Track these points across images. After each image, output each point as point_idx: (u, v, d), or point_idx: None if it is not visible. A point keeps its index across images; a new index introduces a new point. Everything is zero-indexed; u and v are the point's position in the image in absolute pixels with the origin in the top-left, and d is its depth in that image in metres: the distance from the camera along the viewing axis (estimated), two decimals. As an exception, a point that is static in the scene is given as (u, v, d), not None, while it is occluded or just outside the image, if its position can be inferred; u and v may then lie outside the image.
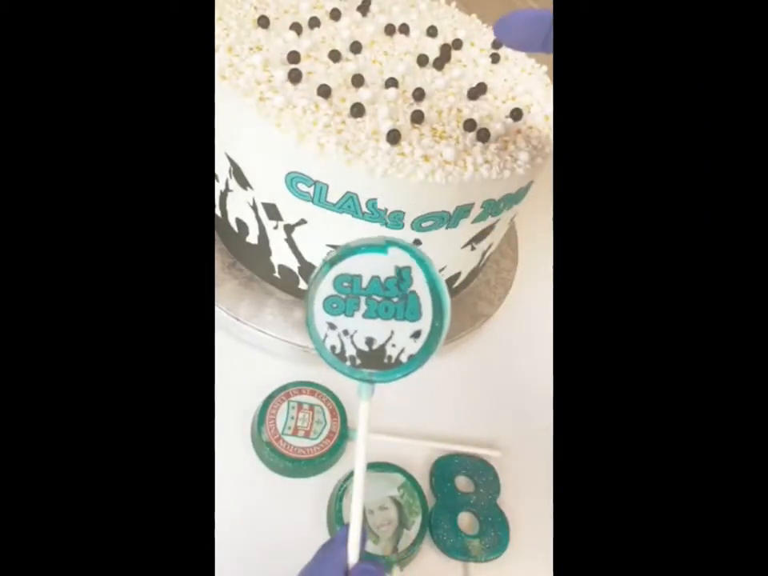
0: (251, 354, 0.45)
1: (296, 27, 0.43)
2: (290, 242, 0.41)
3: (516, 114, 0.42)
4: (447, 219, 0.38)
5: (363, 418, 0.25)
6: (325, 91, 0.38)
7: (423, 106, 0.40)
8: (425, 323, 0.23)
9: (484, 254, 0.47)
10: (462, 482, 0.42)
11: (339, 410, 0.41)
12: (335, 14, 0.46)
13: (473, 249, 0.44)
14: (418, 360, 0.24)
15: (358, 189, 0.36)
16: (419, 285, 0.23)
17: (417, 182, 0.35)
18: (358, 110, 0.37)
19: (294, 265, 0.43)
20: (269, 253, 0.43)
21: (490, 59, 0.48)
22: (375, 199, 0.36)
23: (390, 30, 0.47)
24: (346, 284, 0.23)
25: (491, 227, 0.43)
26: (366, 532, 0.29)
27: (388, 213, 0.36)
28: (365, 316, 0.23)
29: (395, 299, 0.23)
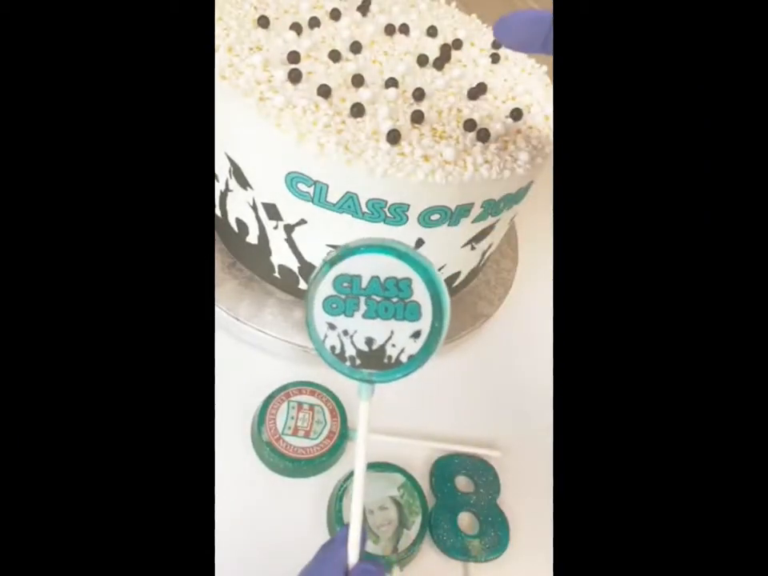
0: (251, 354, 0.45)
1: (296, 27, 0.43)
2: (290, 241, 0.41)
3: (516, 114, 0.42)
4: (450, 215, 0.38)
5: (363, 418, 0.25)
6: (325, 91, 0.38)
7: (423, 106, 0.40)
8: (424, 323, 0.23)
9: (484, 253, 0.47)
10: (462, 482, 0.42)
11: (339, 410, 0.41)
12: (335, 14, 0.46)
13: (473, 248, 0.44)
14: (417, 360, 0.24)
15: (358, 189, 0.36)
16: (419, 293, 0.23)
17: (417, 182, 0.35)
18: (357, 110, 0.37)
19: (293, 265, 0.43)
20: (269, 253, 0.43)
21: (489, 59, 0.48)
22: (376, 199, 0.36)
23: (389, 30, 0.47)
24: (345, 284, 0.23)
25: (491, 227, 0.43)
26: (366, 532, 0.29)
27: (388, 205, 0.36)
28: (364, 316, 0.23)
29: (395, 299, 0.23)
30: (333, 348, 0.24)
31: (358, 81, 0.40)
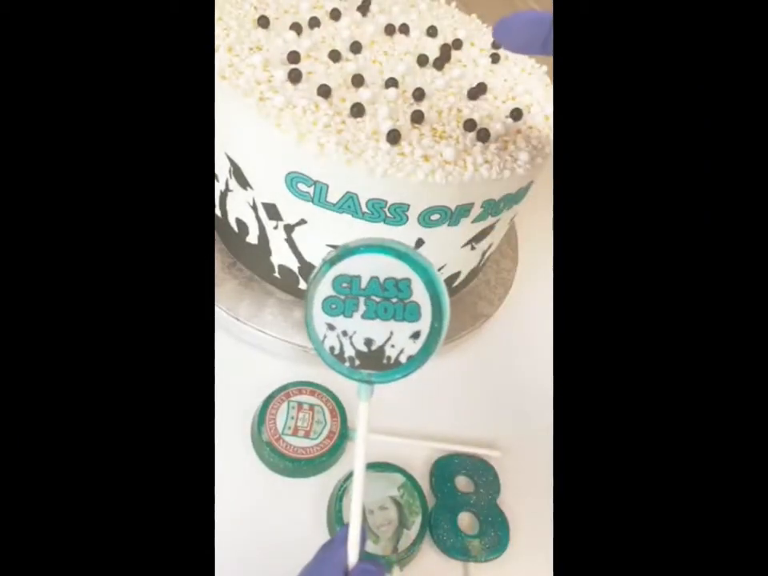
0: (251, 354, 0.45)
1: (296, 27, 0.43)
2: (290, 241, 0.41)
3: (516, 114, 0.42)
4: (450, 215, 0.38)
5: (363, 418, 0.25)
6: (325, 91, 0.38)
7: (423, 106, 0.40)
8: (424, 324, 0.23)
9: (484, 253, 0.47)
10: (462, 482, 0.42)
11: (339, 410, 0.41)
12: (335, 14, 0.46)
13: (473, 248, 0.44)
14: (417, 361, 0.24)
15: (358, 189, 0.36)
16: (419, 294, 0.23)
17: (417, 182, 0.35)
18: (357, 110, 0.37)
19: (294, 265, 0.43)
20: (269, 253, 0.43)
21: (490, 59, 0.48)
22: (376, 199, 0.36)
23: (389, 30, 0.47)
24: (344, 285, 0.23)
25: (491, 227, 0.43)
26: (366, 532, 0.29)
27: (388, 205, 0.36)
28: (364, 317, 0.23)
29: (394, 300, 0.23)
30: (332, 348, 0.24)
31: (357, 81, 0.40)
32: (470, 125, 0.39)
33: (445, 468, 0.42)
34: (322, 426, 0.40)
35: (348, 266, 0.23)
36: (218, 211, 0.45)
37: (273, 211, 0.40)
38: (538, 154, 0.40)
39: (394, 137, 0.36)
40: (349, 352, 0.24)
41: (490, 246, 0.47)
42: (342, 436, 0.40)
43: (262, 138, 0.36)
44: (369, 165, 0.34)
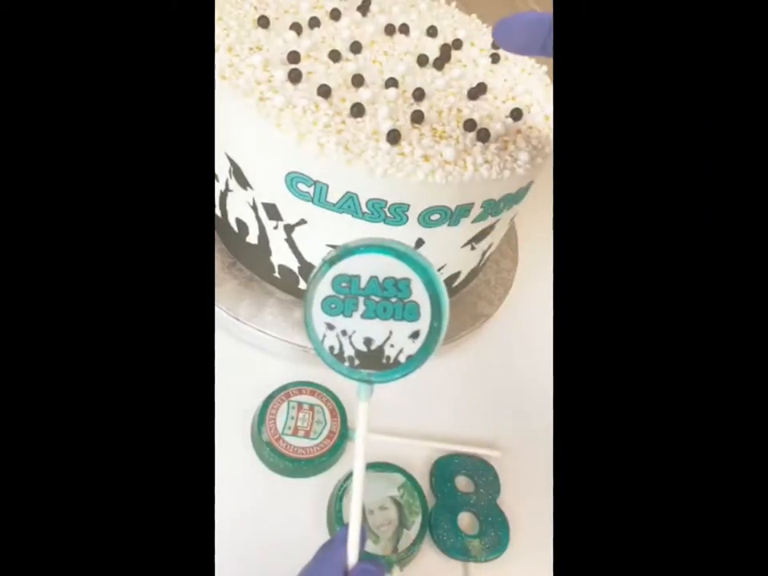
0: (251, 354, 0.45)
1: (296, 27, 0.43)
2: (290, 241, 0.41)
3: (516, 114, 0.42)
4: (450, 215, 0.38)
5: (362, 418, 0.25)
6: (325, 91, 0.38)
7: (423, 106, 0.40)
8: (423, 324, 0.23)
9: (484, 253, 0.47)
10: (462, 482, 0.42)
11: (339, 410, 0.41)
12: (335, 14, 0.46)
13: (473, 248, 0.44)
14: (416, 360, 0.24)
15: (358, 189, 0.36)
16: (418, 294, 0.23)
17: (417, 182, 0.35)
18: (357, 110, 0.37)
19: (294, 265, 0.43)
20: (269, 253, 0.43)
21: (490, 59, 0.48)
22: (376, 199, 0.36)
23: (389, 30, 0.47)
24: (344, 284, 0.23)
25: (491, 227, 0.43)
26: (366, 532, 0.29)
27: (388, 205, 0.36)
28: (363, 316, 0.23)
29: (393, 299, 0.23)
30: (331, 348, 0.24)
31: (357, 81, 0.40)
32: (469, 125, 0.39)
33: (445, 468, 0.42)
34: (321, 426, 0.40)
35: (347, 266, 0.23)
36: (218, 211, 0.45)
37: (273, 211, 0.40)
38: (538, 153, 0.40)
39: (393, 137, 0.36)
40: (348, 352, 0.24)
41: (490, 246, 0.47)
42: (342, 436, 0.40)
43: (262, 137, 0.36)
44: (369, 165, 0.34)
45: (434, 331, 0.23)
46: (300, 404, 0.41)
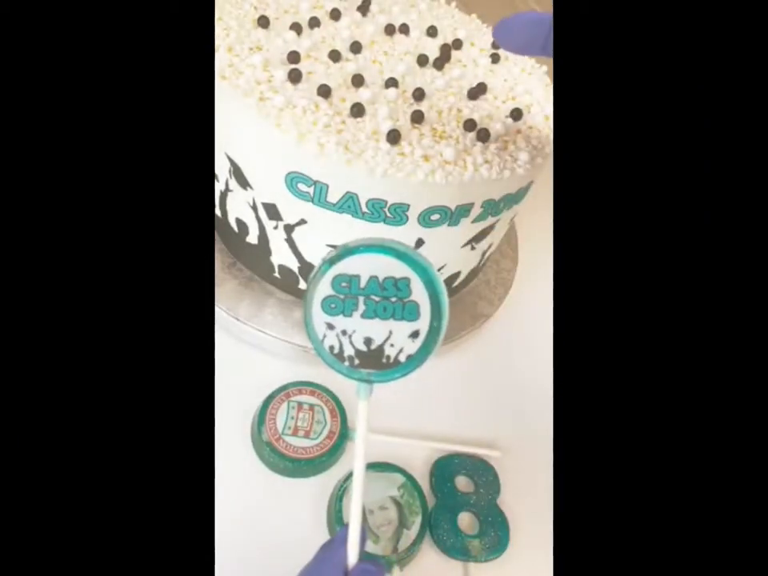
0: (251, 354, 0.45)
1: (296, 27, 0.43)
2: (290, 241, 0.41)
3: (516, 114, 0.42)
4: (450, 215, 0.38)
5: (362, 417, 0.25)
6: (325, 91, 0.38)
7: (423, 106, 0.40)
8: (423, 323, 0.23)
9: (484, 253, 0.47)
10: (462, 482, 0.42)
11: (339, 410, 0.41)
12: (335, 14, 0.46)
13: (473, 248, 0.44)
14: (416, 360, 0.24)
15: (357, 189, 0.36)
16: (418, 293, 0.23)
17: (417, 182, 0.35)
18: (357, 110, 0.37)
19: (294, 265, 0.43)
20: (269, 253, 0.43)
21: (490, 59, 0.48)
22: (376, 199, 0.36)
23: (389, 30, 0.47)
24: (344, 284, 0.23)
25: (491, 227, 0.43)
26: (366, 532, 0.29)
27: (388, 205, 0.36)
28: (363, 316, 0.23)
29: (393, 299, 0.23)
30: (331, 348, 0.24)
31: (357, 81, 0.40)
32: (469, 125, 0.39)
33: (445, 468, 0.42)
34: (321, 426, 0.40)
35: (347, 266, 0.23)
36: (218, 211, 0.45)
37: (273, 211, 0.40)
38: (538, 153, 0.40)
39: (394, 137, 0.36)
40: (348, 351, 0.24)
41: (490, 246, 0.47)
42: (342, 436, 0.40)
43: (262, 137, 0.36)
44: (369, 165, 0.34)
45: (433, 331, 0.23)
46: (300, 404, 0.41)
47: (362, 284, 0.23)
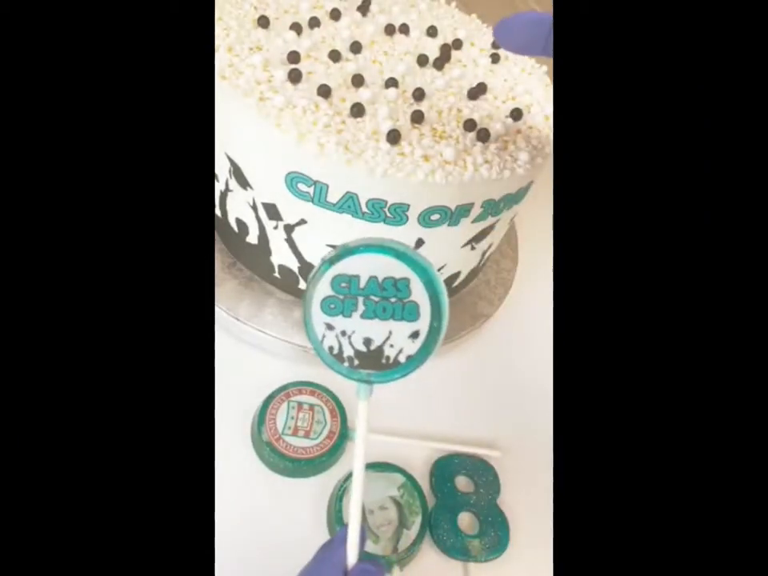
0: (251, 354, 0.45)
1: (296, 27, 0.43)
2: (290, 241, 0.41)
3: (516, 114, 0.42)
4: (450, 215, 0.38)
5: (362, 418, 0.25)
6: (325, 91, 0.38)
7: (423, 106, 0.40)
8: (423, 324, 0.23)
9: (484, 253, 0.47)
10: (462, 482, 0.42)
11: (339, 410, 0.41)
12: (335, 14, 0.46)
13: (473, 248, 0.44)
14: (416, 360, 0.24)
15: (358, 189, 0.36)
16: (417, 293, 0.23)
17: (417, 182, 0.35)
18: (357, 110, 0.37)
19: (294, 265, 0.43)
20: (269, 253, 0.43)
21: (490, 59, 0.48)
22: (376, 199, 0.36)
23: (390, 30, 0.47)
24: (343, 284, 0.23)
25: (491, 227, 0.43)
26: (366, 532, 0.29)
27: (388, 205, 0.36)
28: (363, 316, 0.23)
29: (393, 299, 0.23)
30: (331, 348, 0.24)
31: (357, 81, 0.40)
32: (469, 125, 0.39)
33: (445, 468, 0.42)
34: (321, 426, 0.40)
35: (347, 266, 0.23)
36: (218, 211, 0.45)
37: (273, 211, 0.40)
38: (538, 153, 0.40)
39: (394, 137, 0.36)
40: (348, 352, 0.24)
41: (490, 246, 0.47)
42: (342, 436, 0.40)
43: (261, 137, 0.36)
44: (369, 165, 0.34)
45: (433, 331, 0.23)
46: (300, 404, 0.41)
47: (362, 284, 0.23)
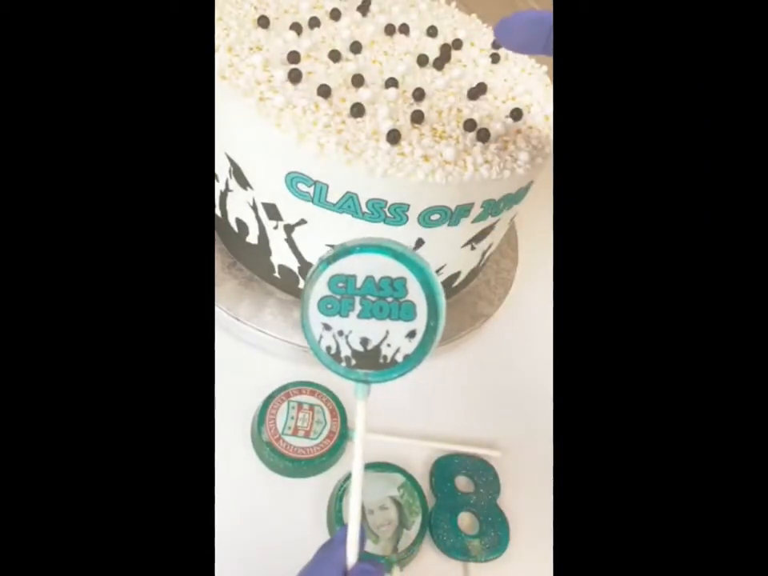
0: (251, 354, 0.45)
1: (296, 27, 0.43)
2: (290, 241, 0.41)
3: (516, 114, 0.42)
4: (450, 215, 0.38)
5: (360, 418, 0.25)
6: (325, 91, 0.38)
7: (423, 106, 0.40)
8: (420, 323, 0.23)
9: (484, 253, 0.47)
10: (462, 482, 0.42)
11: (339, 410, 0.41)
12: (335, 14, 0.46)
13: (473, 248, 0.44)
14: (413, 360, 0.24)
15: (357, 189, 0.36)
16: (414, 293, 0.23)
17: (417, 182, 0.35)
18: (357, 110, 0.37)
19: (293, 265, 0.43)
20: (269, 253, 0.43)
21: (489, 59, 0.48)
22: (376, 199, 0.36)
23: (390, 30, 0.47)
24: (340, 284, 0.23)
25: (491, 227, 0.43)
26: (366, 532, 0.29)
27: (388, 205, 0.36)
28: (359, 316, 0.23)
29: (389, 299, 0.23)
30: (328, 348, 0.24)
31: (357, 81, 0.40)
32: (469, 125, 0.39)
33: (445, 468, 0.42)
34: (321, 426, 0.40)
35: (344, 266, 0.23)
36: (218, 211, 0.45)
37: (273, 211, 0.40)
38: (538, 153, 0.40)
39: (394, 137, 0.36)
40: (345, 352, 0.24)
41: (490, 246, 0.47)
42: (342, 436, 0.40)
43: (261, 137, 0.36)
44: (369, 165, 0.34)
45: (430, 330, 0.23)
46: (300, 404, 0.41)
47: (359, 284, 0.23)
